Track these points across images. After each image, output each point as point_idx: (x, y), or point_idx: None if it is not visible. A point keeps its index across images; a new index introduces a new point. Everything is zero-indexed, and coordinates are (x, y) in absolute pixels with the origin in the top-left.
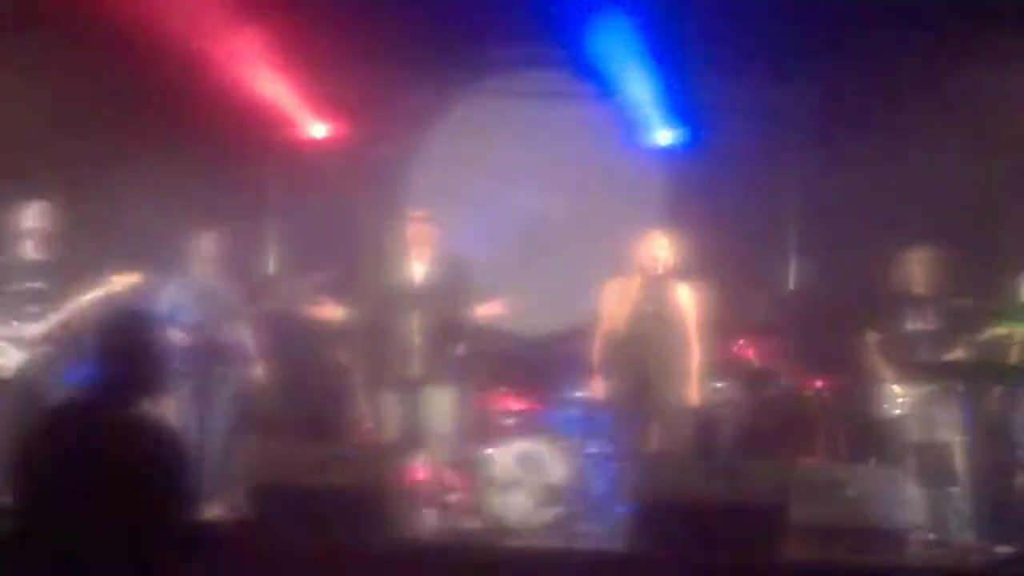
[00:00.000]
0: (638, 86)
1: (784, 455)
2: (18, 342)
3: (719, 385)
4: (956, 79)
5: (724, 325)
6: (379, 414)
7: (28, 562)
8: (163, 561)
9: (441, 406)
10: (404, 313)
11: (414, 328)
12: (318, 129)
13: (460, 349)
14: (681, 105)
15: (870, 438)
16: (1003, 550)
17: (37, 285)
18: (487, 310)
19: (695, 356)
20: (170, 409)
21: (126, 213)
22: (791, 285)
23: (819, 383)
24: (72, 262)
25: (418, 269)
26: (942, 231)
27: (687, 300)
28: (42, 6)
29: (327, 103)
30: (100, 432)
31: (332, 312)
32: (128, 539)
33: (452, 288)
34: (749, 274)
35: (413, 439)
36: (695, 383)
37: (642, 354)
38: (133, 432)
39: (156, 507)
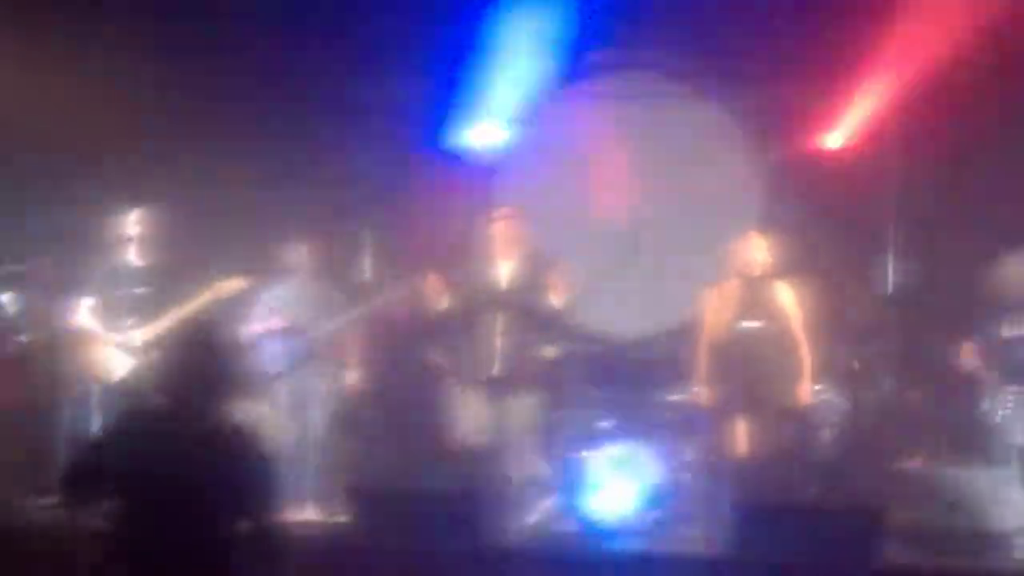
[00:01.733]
0: (733, 88)
1: (886, 458)
2: (124, 347)
3: (820, 388)
4: None
5: (825, 328)
6: (469, 416)
7: (125, 564)
8: (252, 563)
9: (526, 408)
10: (491, 313)
11: (499, 329)
12: (415, 132)
13: (548, 350)
14: (777, 106)
15: (973, 441)
16: None
17: (142, 290)
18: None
19: (797, 359)
20: (267, 413)
21: (228, 218)
22: (892, 287)
23: (921, 386)
24: (176, 267)
25: (505, 269)
26: None
27: (788, 302)
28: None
29: (424, 107)
30: (190, 438)
31: (425, 315)
32: (218, 541)
33: (539, 288)
34: (850, 276)
35: (503, 441)
36: (797, 386)
37: (743, 357)
38: (219, 438)
39: (243, 510)
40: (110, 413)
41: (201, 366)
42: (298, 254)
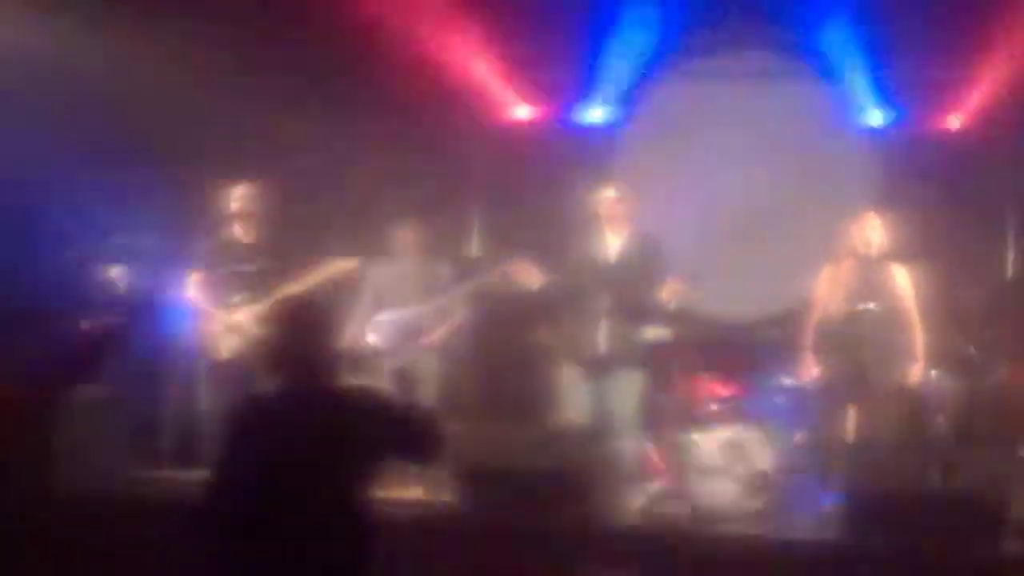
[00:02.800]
0: (852, 65)
1: (1003, 446)
2: (232, 324)
3: (936, 373)
4: None
5: (941, 311)
6: (575, 396)
7: (241, 537)
8: (368, 534)
9: (628, 389)
10: (595, 292)
11: (604, 307)
12: (524, 110)
13: (652, 331)
14: (895, 84)
15: None
16: None
17: (248, 268)
18: (671, 289)
19: (912, 342)
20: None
21: (335, 196)
22: (1011, 271)
23: None
24: (283, 245)
25: (612, 247)
26: None
27: (904, 284)
28: None
29: (534, 84)
30: (311, 408)
31: (531, 294)
32: (341, 509)
33: (645, 267)
34: (967, 259)
35: (607, 422)
36: (912, 370)
37: (857, 339)
38: (345, 404)
39: (370, 476)
40: (217, 390)
41: (311, 342)
42: (404, 232)
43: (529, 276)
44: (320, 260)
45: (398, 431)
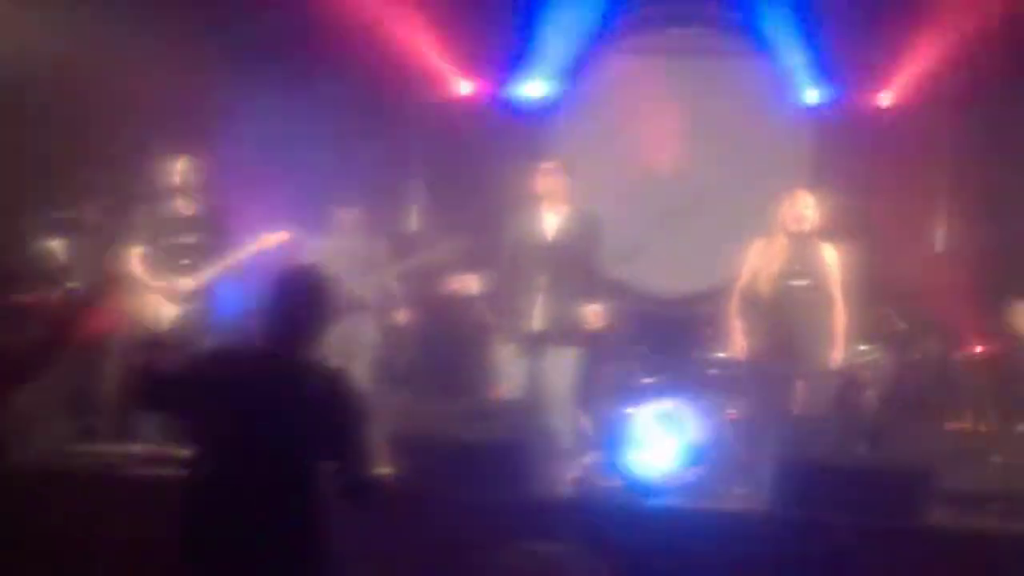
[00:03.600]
0: (787, 44)
1: (931, 420)
2: (170, 295)
3: (865, 348)
4: None
5: (871, 287)
6: (512, 369)
7: (194, 505)
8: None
9: (564, 364)
10: (532, 268)
11: (541, 283)
12: (464, 86)
13: (592, 306)
14: (829, 62)
15: (1020, 403)
16: None
17: (189, 239)
18: (592, 312)
19: (840, 317)
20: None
21: (275, 171)
22: (941, 247)
23: (967, 347)
24: (222, 218)
25: (550, 222)
26: None
27: (833, 260)
28: None
29: (473, 60)
30: (272, 379)
31: (468, 269)
32: (294, 482)
33: (583, 244)
34: (897, 235)
35: (546, 396)
36: (840, 345)
37: (786, 315)
38: (305, 376)
39: (326, 449)
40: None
41: (299, 306)
42: (344, 208)
43: (481, 246)
44: (257, 233)
45: (336, 443)
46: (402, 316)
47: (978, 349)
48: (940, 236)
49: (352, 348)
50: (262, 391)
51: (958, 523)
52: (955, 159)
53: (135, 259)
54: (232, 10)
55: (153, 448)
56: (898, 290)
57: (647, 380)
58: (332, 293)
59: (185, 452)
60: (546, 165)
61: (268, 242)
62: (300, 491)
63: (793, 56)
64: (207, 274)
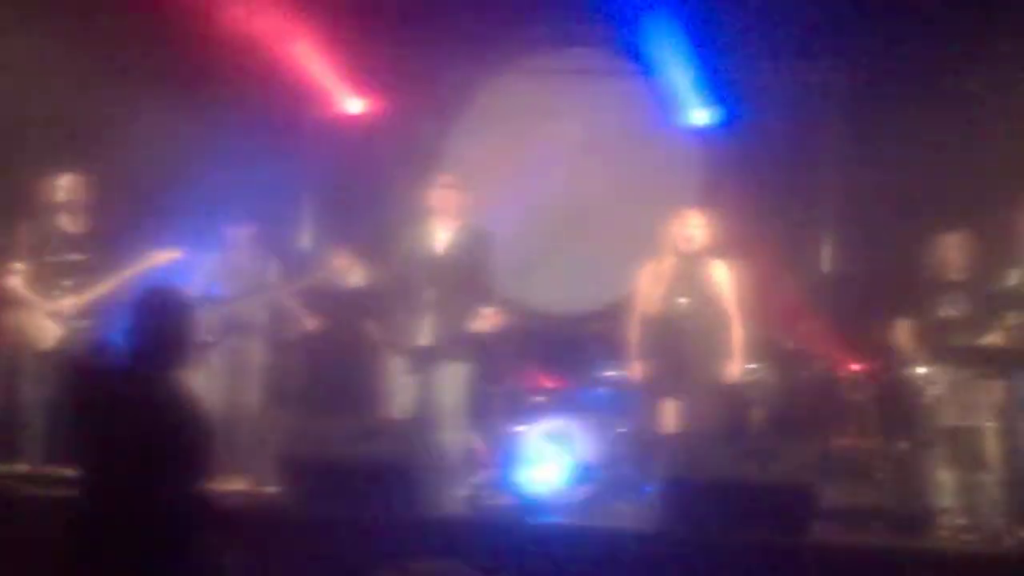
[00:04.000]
0: (674, 65)
1: (817, 437)
2: (55, 315)
3: (753, 366)
4: (995, 59)
5: (758, 305)
6: (399, 387)
7: (78, 526)
8: (189, 527)
9: (453, 381)
10: (422, 284)
11: (431, 300)
12: (354, 104)
13: (478, 324)
14: (717, 84)
15: (903, 421)
16: None
17: (74, 257)
18: (485, 316)
19: (730, 336)
20: (201, 383)
21: (162, 188)
22: (826, 266)
23: (853, 365)
24: (109, 236)
25: (441, 238)
26: (977, 215)
27: (722, 279)
28: None
29: (363, 78)
30: (129, 401)
31: (359, 285)
32: (153, 505)
33: (473, 261)
34: (784, 255)
35: (435, 414)
36: (729, 363)
37: (676, 333)
38: (160, 402)
39: (180, 474)
40: (40, 381)
41: (157, 329)
42: (234, 225)
43: (371, 263)
44: (146, 251)
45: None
46: (292, 334)
47: (862, 367)
48: (825, 256)
49: (242, 367)
50: (125, 412)
51: (843, 539)
52: (840, 181)
53: (17, 276)
54: (120, 26)
55: (40, 468)
56: (784, 309)
57: (537, 398)
58: (187, 315)
59: (70, 472)
60: (441, 179)
61: (157, 260)
62: (170, 512)
63: (681, 77)
64: (93, 293)
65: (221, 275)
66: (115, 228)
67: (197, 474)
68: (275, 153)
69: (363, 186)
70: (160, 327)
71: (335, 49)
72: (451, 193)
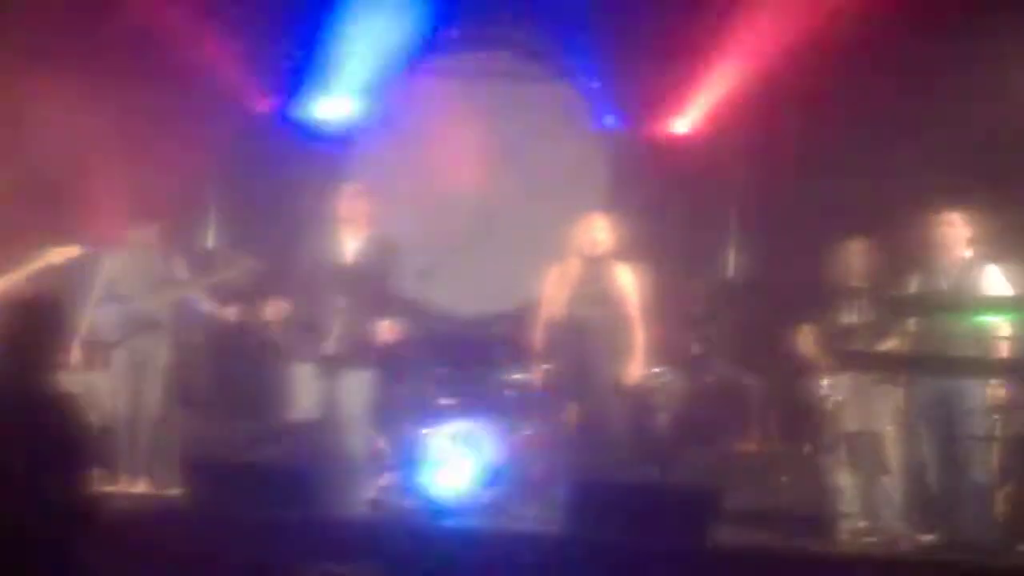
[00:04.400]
0: (584, 70)
1: (719, 441)
2: None
3: (656, 370)
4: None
5: (662, 310)
6: (305, 391)
7: None
8: (78, 534)
9: (359, 385)
10: (329, 290)
11: (338, 304)
12: (262, 104)
13: (388, 328)
14: (625, 89)
15: (804, 426)
16: (929, 538)
17: None
18: (386, 328)
19: (633, 339)
20: (102, 383)
21: (68, 186)
22: (730, 272)
23: (755, 371)
24: (7, 231)
25: (349, 246)
26: (879, 222)
27: (627, 283)
28: None
29: (271, 78)
30: (8, 405)
31: (264, 289)
32: (38, 511)
33: (381, 268)
34: (688, 260)
35: (341, 416)
36: (633, 367)
37: (580, 336)
38: (39, 404)
39: (62, 479)
40: None
41: (26, 332)
42: (139, 224)
43: (278, 268)
44: (43, 250)
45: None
46: (196, 336)
47: (766, 372)
48: (730, 261)
49: (145, 367)
50: (6, 418)
51: (745, 542)
52: (746, 187)
53: None
54: (21, 17)
55: None
56: (689, 313)
57: (444, 401)
58: (59, 320)
59: None
60: (349, 189)
61: (56, 257)
62: (53, 515)
63: (590, 82)
64: None
65: (124, 273)
66: (14, 223)
67: (78, 478)
68: (183, 151)
69: (271, 187)
70: (30, 328)
71: (245, 46)
72: (361, 202)
